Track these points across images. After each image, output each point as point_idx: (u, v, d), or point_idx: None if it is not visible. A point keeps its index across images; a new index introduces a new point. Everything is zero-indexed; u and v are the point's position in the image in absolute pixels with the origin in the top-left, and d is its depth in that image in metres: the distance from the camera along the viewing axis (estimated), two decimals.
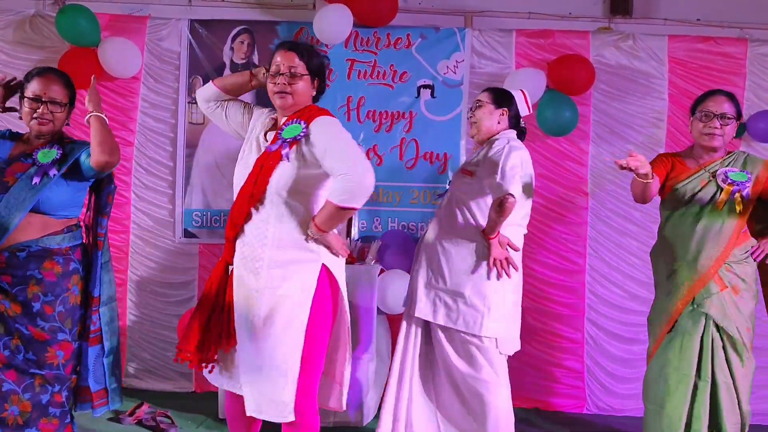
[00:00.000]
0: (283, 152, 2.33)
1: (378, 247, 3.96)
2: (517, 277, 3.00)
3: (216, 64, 4.28)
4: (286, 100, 2.41)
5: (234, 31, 4.29)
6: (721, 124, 2.92)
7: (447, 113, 4.24)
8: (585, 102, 4.19)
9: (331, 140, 2.30)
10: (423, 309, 3.04)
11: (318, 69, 2.49)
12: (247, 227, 2.38)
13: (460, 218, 3.00)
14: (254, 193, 2.35)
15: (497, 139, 2.99)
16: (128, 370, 4.28)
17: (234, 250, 2.41)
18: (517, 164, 2.84)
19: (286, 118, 2.45)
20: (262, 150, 2.43)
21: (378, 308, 3.81)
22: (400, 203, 4.26)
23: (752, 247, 2.95)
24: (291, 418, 2.32)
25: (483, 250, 2.91)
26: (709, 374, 2.88)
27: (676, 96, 4.22)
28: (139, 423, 3.59)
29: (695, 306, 2.91)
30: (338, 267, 2.48)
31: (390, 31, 4.26)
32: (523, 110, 3.17)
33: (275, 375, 2.30)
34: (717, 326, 2.88)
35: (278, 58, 2.43)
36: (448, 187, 3.28)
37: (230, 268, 2.44)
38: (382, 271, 3.91)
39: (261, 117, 2.58)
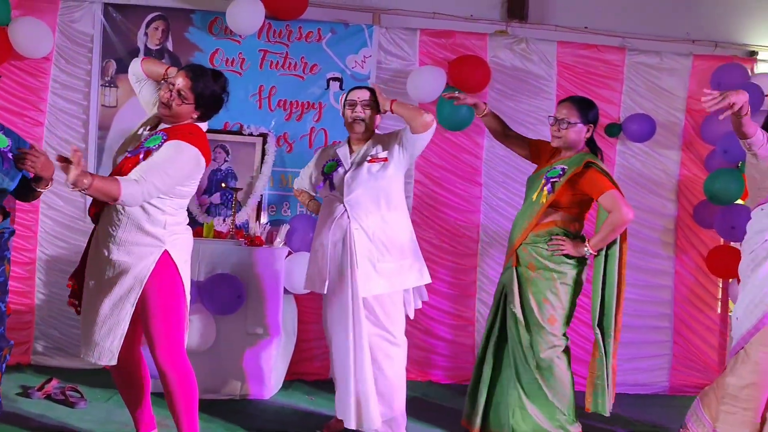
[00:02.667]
0: (141, 157, 2.67)
1: (286, 230, 4.18)
2: None
3: (130, 49, 4.37)
4: (164, 111, 2.77)
5: (149, 17, 4.38)
6: (560, 128, 3.28)
7: None
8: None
9: (158, 156, 2.65)
10: None
11: (206, 103, 2.81)
12: (105, 211, 2.74)
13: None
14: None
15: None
16: (36, 347, 4.35)
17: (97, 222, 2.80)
18: None
19: (164, 126, 2.80)
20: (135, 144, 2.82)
21: (285, 288, 4.05)
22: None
23: (549, 233, 3.23)
24: (113, 362, 2.71)
25: None
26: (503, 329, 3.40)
27: (562, 97, 4.57)
28: (48, 398, 3.69)
29: (503, 274, 3.45)
30: (180, 255, 2.80)
31: (301, 25, 4.46)
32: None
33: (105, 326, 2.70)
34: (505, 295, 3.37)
35: (179, 77, 2.75)
36: None
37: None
38: (290, 253, 4.14)
39: (155, 110, 2.89)
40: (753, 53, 4.90)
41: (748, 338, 2.98)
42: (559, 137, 3.29)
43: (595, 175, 3.16)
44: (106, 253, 2.70)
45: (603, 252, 3.21)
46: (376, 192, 3.25)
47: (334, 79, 4.51)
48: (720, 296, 4.78)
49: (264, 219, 4.41)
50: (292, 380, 4.29)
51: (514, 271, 3.30)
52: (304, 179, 3.63)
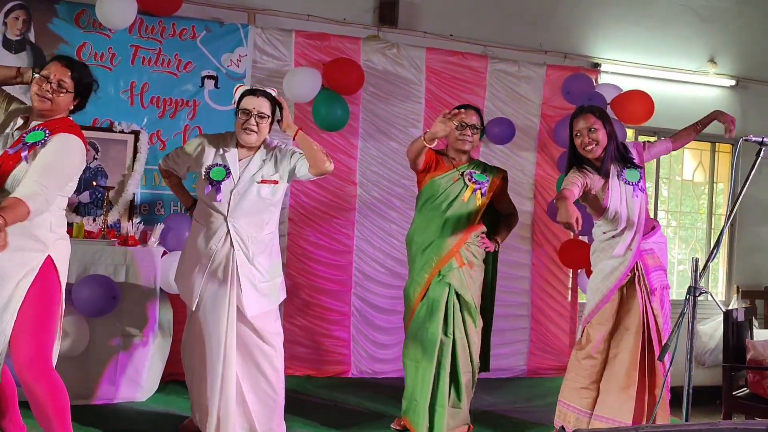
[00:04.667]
0: (23, 154, 2.56)
1: (161, 230, 4.13)
2: None
3: None
4: (45, 104, 2.67)
5: (8, 6, 4.15)
6: (471, 133, 3.59)
7: (230, 103, 4.41)
8: (355, 102, 4.70)
9: (49, 153, 2.56)
10: None
11: (84, 90, 2.77)
12: None
13: None
14: None
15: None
16: None
17: None
18: None
19: (38, 122, 2.67)
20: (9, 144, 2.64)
21: (160, 288, 4.00)
22: None
23: (482, 234, 3.64)
24: None
25: None
26: (452, 332, 3.53)
27: (431, 101, 4.90)
28: None
29: (441, 277, 3.54)
30: (62, 260, 2.71)
31: (175, 21, 4.41)
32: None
33: None
34: (457, 294, 3.54)
35: (51, 68, 2.68)
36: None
37: None
38: (165, 253, 4.09)
39: (16, 112, 2.76)
40: (596, 65, 5.42)
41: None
42: (471, 142, 3.62)
43: (506, 185, 3.75)
44: None
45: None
46: (261, 216, 3.21)
47: (209, 77, 4.49)
48: (570, 285, 5.26)
49: (136, 218, 4.32)
50: (169, 381, 4.23)
51: (462, 271, 3.54)
52: (180, 166, 3.34)
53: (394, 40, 4.89)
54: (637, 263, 3.35)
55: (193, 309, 3.25)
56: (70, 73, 2.69)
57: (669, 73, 5.60)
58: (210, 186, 3.15)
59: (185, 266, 3.30)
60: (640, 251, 3.35)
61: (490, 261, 3.75)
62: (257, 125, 3.14)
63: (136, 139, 4.32)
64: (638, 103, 4.93)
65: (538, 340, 5.16)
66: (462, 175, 3.60)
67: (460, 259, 3.54)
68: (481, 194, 3.58)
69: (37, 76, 2.70)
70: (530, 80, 5.12)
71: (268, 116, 3.18)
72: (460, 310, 3.57)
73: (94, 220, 4.14)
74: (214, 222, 3.18)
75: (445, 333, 3.52)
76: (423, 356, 3.51)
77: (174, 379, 4.29)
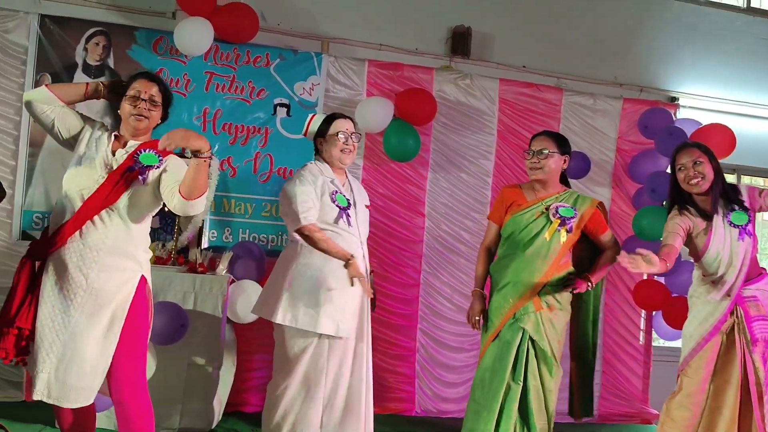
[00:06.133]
0: (141, 177, 2.59)
1: (230, 257, 4.08)
2: None
3: (67, 63, 4.18)
4: (143, 123, 2.68)
5: (89, 32, 4.21)
6: (540, 159, 3.29)
7: (302, 132, 4.43)
8: (426, 132, 4.62)
9: (179, 170, 2.64)
10: None
11: (169, 102, 2.81)
12: (86, 232, 2.55)
13: None
14: (103, 204, 2.56)
15: None
16: None
17: (52, 248, 2.53)
18: None
19: (137, 142, 2.67)
20: (110, 164, 2.62)
21: (228, 318, 3.94)
22: (252, 215, 4.41)
23: (569, 274, 3.31)
24: (90, 402, 2.53)
25: None
26: (522, 379, 3.30)
27: (503, 132, 4.78)
28: None
29: (515, 320, 3.31)
30: (150, 281, 2.73)
31: (250, 49, 4.41)
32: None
33: (86, 365, 2.50)
34: (531, 339, 3.29)
35: (138, 86, 2.69)
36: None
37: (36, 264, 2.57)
38: (232, 281, 4.04)
39: (95, 130, 2.71)
40: (674, 99, 5.24)
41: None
42: (540, 168, 3.31)
43: (602, 215, 3.39)
44: (84, 281, 2.51)
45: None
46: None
47: (282, 105, 4.47)
48: (644, 327, 5.02)
49: (205, 244, 4.28)
50: (232, 412, 4.15)
51: (539, 316, 3.26)
52: (313, 213, 3.10)
53: (467, 71, 4.81)
54: (736, 310, 3.13)
55: (346, 336, 3.12)
56: (156, 87, 2.72)
57: (751, 108, 5.38)
58: (342, 215, 3.15)
59: (333, 294, 3.09)
60: (742, 298, 3.14)
61: (591, 299, 3.46)
62: (352, 144, 3.23)
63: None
64: (719, 138, 4.69)
65: (609, 384, 4.93)
66: (547, 209, 3.31)
67: (538, 302, 3.28)
68: (567, 231, 3.27)
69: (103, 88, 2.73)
70: (606, 114, 4.96)
71: (360, 136, 3.31)
72: (535, 356, 3.30)
73: (163, 245, 4.12)
74: (353, 246, 3.15)
75: (514, 379, 3.27)
76: (486, 401, 3.28)
77: (237, 410, 4.21)
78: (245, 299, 3.92)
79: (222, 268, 4.04)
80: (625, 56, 5.18)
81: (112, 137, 2.71)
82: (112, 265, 2.55)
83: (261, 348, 4.28)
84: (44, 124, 2.70)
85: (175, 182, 2.57)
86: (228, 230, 4.40)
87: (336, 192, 3.15)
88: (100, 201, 2.55)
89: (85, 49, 4.21)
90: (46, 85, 2.69)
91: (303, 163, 3.25)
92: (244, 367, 4.27)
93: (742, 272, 3.12)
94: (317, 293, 3.07)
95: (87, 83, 2.76)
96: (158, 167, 2.62)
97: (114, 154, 2.65)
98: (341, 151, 3.19)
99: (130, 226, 2.61)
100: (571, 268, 3.37)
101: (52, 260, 2.55)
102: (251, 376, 4.34)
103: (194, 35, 4.11)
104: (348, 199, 3.18)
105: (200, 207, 2.59)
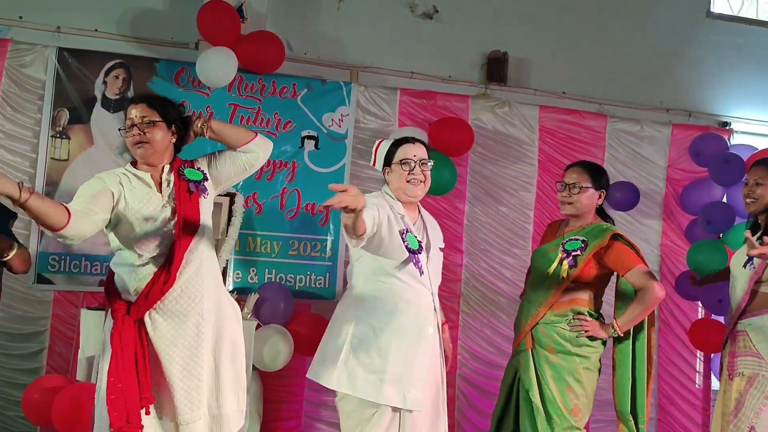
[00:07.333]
0: (204, 195, 2.49)
1: (255, 300, 3.81)
2: None
3: (86, 98, 3.98)
4: (147, 149, 2.45)
5: (108, 65, 4.02)
6: (571, 193, 3.00)
7: (331, 165, 4.24)
8: (463, 163, 4.35)
9: None
10: None
11: (173, 115, 2.53)
12: (192, 266, 2.44)
13: None
14: (194, 230, 2.44)
15: None
16: None
17: (154, 302, 2.37)
18: None
19: (166, 167, 2.50)
20: (164, 201, 2.44)
21: (253, 365, 3.66)
22: (279, 254, 4.16)
23: (575, 314, 2.94)
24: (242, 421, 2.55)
25: None
26: (513, 423, 3.00)
27: (544, 162, 4.50)
28: None
29: (514, 357, 3.07)
30: None
31: (276, 79, 4.20)
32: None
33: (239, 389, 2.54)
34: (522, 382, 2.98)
35: (131, 113, 2.47)
36: None
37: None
38: (258, 326, 3.76)
39: (118, 180, 2.44)
40: (725, 123, 4.93)
41: None
42: (570, 203, 3.01)
43: (622, 248, 2.91)
44: (200, 316, 2.42)
45: (629, 336, 2.95)
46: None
47: (309, 137, 4.24)
48: (701, 370, 4.64)
49: (229, 286, 4.03)
50: None
51: (530, 354, 2.97)
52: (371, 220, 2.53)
53: (504, 98, 4.54)
54: None
55: (417, 409, 2.62)
56: (144, 105, 2.46)
57: None
58: (412, 257, 2.65)
59: (398, 356, 2.61)
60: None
61: (628, 351, 2.97)
62: (423, 172, 2.78)
63: (231, 202, 4.04)
64: None
65: (664, 431, 4.55)
66: (562, 243, 3.00)
67: (530, 340, 2.97)
68: (569, 265, 2.91)
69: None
70: (654, 141, 4.66)
71: (430, 162, 2.83)
72: (525, 399, 2.93)
73: None
74: (422, 297, 2.70)
75: (502, 422, 3.03)
76: None
77: None
78: (272, 345, 3.65)
79: (247, 311, 3.77)
80: (671, 79, 4.89)
81: (129, 176, 2.46)
82: (234, 315, 2.59)
83: (289, 397, 4.00)
84: (105, 231, 2.47)
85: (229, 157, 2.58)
86: (253, 270, 4.14)
87: (407, 231, 2.65)
88: (192, 225, 2.42)
89: (105, 83, 4.02)
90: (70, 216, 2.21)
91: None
92: (270, 417, 3.98)
93: None
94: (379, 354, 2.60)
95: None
96: (206, 179, 2.53)
97: (159, 190, 2.46)
98: (408, 181, 2.74)
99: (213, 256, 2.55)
100: (579, 307, 2.95)
101: (155, 312, 2.39)
102: (278, 427, 4.05)
103: (217, 66, 3.90)
104: (420, 241, 2.71)
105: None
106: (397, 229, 2.62)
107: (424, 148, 2.85)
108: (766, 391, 2.81)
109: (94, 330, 3.49)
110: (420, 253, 2.66)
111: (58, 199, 3.87)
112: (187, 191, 2.45)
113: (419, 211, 2.88)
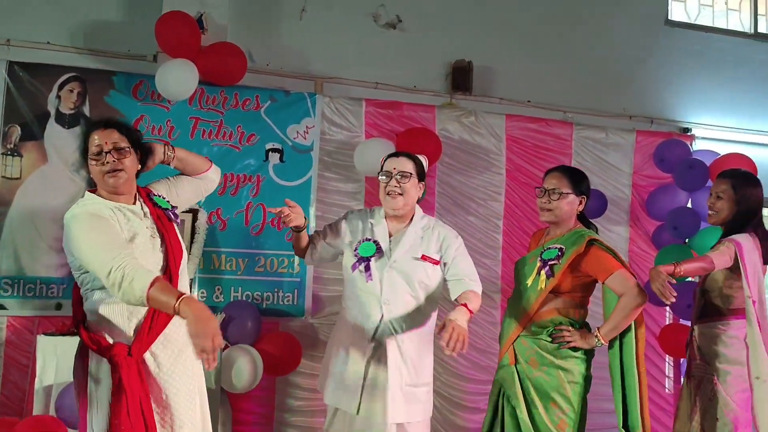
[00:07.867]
0: (177, 221, 2.44)
1: (221, 320, 3.68)
2: None
3: (38, 113, 3.82)
4: (121, 176, 2.28)
5: (62, 78, 3.86)
6: (550, 200, 2.88)
7: (297, 178, 4.14)
8: (430, 174, 4.28)
9: None
10: None
11: (138, 142, 2.39)
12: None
13: None
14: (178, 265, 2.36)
15: None
16: None
17: (157, 334, 2.24)
18: None
19: (136, 195, 2.37)
20: (151, 230, 2.32)
21: (221, 387, 3.53)
22: (245, 271, 4.04)
23: (555, 325, 2.83)
24: None
25: None
26: None
27: (512, 171, 4.47)
28: None
29: (498, 371, 2.96)
30: None
31: (238, 91, 4.09)
32: None
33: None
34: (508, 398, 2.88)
35: (97, 138, 2.28)
36: None
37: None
38: (226, 347, 3.63)
39: (109, 212, 2.28)
40: (686, 129, 4.98)
41: None
42: (549, 209, 2.89)
43: (600, 254, 2.79)
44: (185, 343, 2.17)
45: (616, 341, 2.84)
46: (419, 305, 2.72)
47: (274, 150, 4.13)
48: (671, 375, 4.66)
49: None
50: None
51: (514, 369, 2.86)
52: (318, 244, 2.92)
53: (470, 107, 4.51)
54: None
55: (355, 413, 2.70)
56: (116, 132, 2.30)
57: (765, 137, 5.13)
58: (358, 263, 2.74)
59: (338, 360, 2.80)
60: None
61: (617, 359, 2.85)
62: (399, 185, 2.73)
63: (194, 219, 3.91)
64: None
65: None
66: (541, 253, 2.88)
67: (512, 354, 2.88)
68: (546, 275, 2.79)
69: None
70: (618, 147, 4.68)
71: (412, 175, 2.76)
72: (512, 415, 2.84)
73: None
74: (368, 307, 2.73)
75: None
76: None
77: None
78: (240, 366, 3.52)
79: None
80: (633, 87, 4.94)
81: (113, 209, 2.28)
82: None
83: (260, 419, 3.87)
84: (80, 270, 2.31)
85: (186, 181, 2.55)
86: (219, 289, 4.01)
87: (366, 239, 2.77)
88: (179, 252, 2.35)
89: (58, 97, 3.85)
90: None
91: None
92: None
93: None
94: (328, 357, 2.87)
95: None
96: (174, 206, 2.45)
97: (144, 214, 2.34)
98: (387, 194, 2.76)
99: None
100: (557, 317, 2.84)
101: (155, 345, 2.24)
102: None
103: (177, 78, 3.77)
104: (380, 249, 2.73)
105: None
106: (358, 239, 2.79)
107: (411, 162, 2.82)
108: (709, 394, 3.00)
109: (51, 358, 3.34)
110: (370, 259, 2.71)
111: (9, 221, 3.73)
112: (168, 219, 2.38)
113: (410, 224, 2.82)
